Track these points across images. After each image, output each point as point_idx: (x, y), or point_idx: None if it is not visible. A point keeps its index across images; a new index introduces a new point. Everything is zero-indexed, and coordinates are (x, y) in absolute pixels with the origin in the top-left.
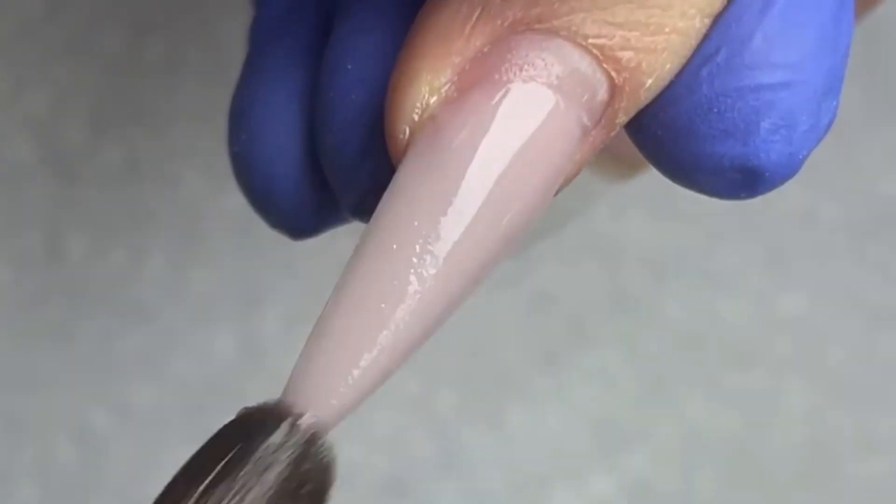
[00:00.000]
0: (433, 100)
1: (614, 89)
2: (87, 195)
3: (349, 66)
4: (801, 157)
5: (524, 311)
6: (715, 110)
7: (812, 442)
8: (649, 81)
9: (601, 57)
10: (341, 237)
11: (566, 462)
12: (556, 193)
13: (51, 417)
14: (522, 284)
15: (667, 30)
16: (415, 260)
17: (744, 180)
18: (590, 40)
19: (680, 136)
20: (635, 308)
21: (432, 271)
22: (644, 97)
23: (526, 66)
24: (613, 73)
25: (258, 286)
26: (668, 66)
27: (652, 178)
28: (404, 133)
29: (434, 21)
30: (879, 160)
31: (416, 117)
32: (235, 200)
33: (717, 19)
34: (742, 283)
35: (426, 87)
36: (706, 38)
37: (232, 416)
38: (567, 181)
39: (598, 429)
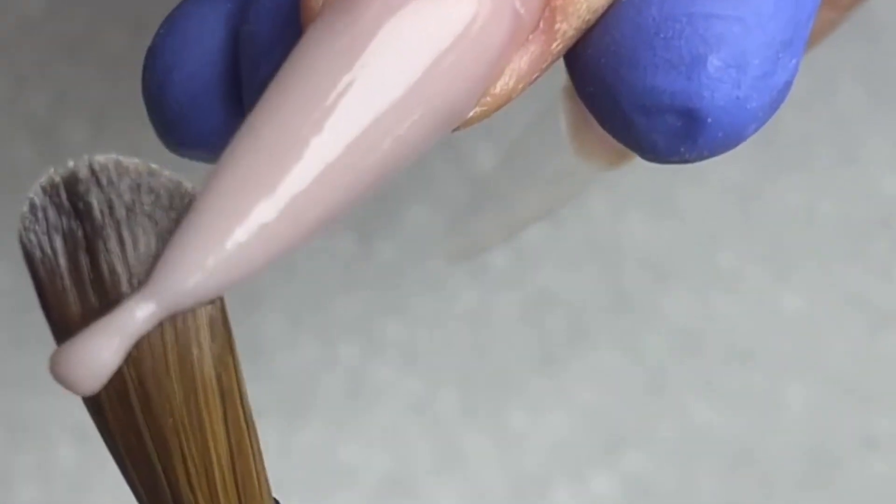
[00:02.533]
0: None
1: None
2: None
3: None
4: (748, 106)
5: (524, 311)
6: (661, 35)
7: (812, 441)
8: None
9: None
10: (341, 237)
11: (566, 462)
12: (487, 113)
13: (51, 417)
14: (522, 284)
15: None
16: (306, 128)
17: (684, 128)
18: None
19: (622, 65)
20: (635, 308)
21: (325, 147)
22: (582, 2)
23: None
24: None
25: (258, 286)
26: None
27: (652, 178)
28: (318, 1)
29: None
30: (880, 159)
31: None
32: None
33: None
34: (742, 283)
35: None
36: None
37: None
38: (505, 95)
39: (598, 429)
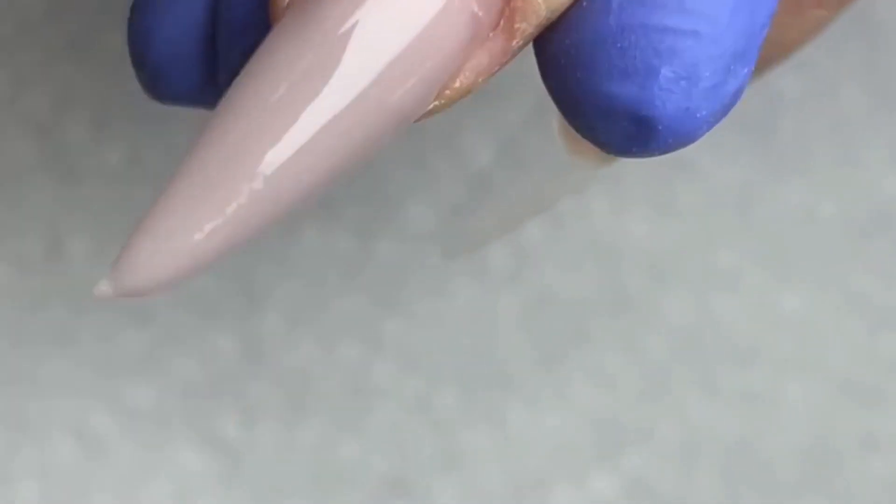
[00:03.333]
0: None
1: None
2: (88, 195)
3: None
4: (699, 115)
5: (524, 311)
6: (618, 45)
7: (812, 442)
8: None
9: None
10: (342, 237)
11: (566, 462)
12: (447, 105)
13: (51, 417)
14: (522, 284)
15: None
16: (264, 131)
17: (637, 132)
18: None
19: (580, 68)
20: (635, 308)
21: (283, 149)
22: (541, 3)
23: None
24: None
25: (258, 286)
26: None
27: (652, 178)
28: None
29: None
30: (880, 159)
31: None
32: None
33: None
34: (742, 283)
35: None
36: None
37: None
38: (465, 90)
39: (598, 429)
